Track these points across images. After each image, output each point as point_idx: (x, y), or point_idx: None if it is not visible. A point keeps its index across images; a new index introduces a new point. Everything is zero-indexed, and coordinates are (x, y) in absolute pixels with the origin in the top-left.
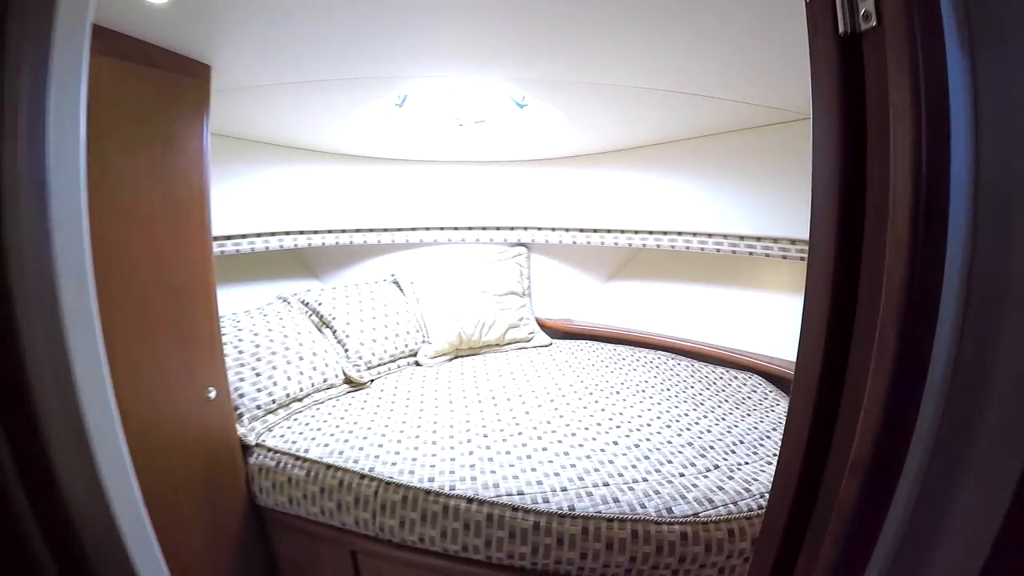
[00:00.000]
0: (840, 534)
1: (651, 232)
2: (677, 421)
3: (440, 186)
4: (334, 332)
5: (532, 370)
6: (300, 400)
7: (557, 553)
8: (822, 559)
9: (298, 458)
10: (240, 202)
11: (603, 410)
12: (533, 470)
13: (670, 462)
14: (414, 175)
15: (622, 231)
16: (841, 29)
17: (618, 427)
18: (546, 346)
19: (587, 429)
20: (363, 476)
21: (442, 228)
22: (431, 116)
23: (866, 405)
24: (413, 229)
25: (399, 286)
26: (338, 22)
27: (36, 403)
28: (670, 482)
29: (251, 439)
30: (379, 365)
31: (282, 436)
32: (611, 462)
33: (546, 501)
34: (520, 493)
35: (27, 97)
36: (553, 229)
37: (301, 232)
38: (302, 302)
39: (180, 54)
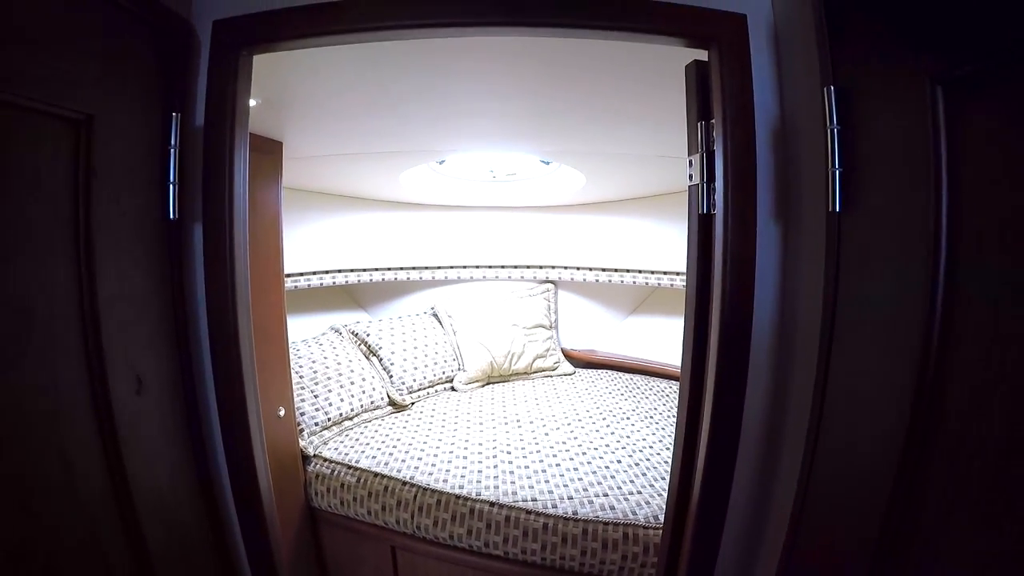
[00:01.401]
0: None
1: (666, 272)
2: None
3: (475, 229)
4: (380, 360)
5: (555, 396)
6: (351, 419)
7: (562, 550)
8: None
9: (350, 467)
10: (300, 244)
11: (612, 433)
12: (546, 482)
13: (663, 478)
14: (452, 219)
15: (640, 271)
16: (703, 211)
17: (623, 448)
18: (570, 375)
19: (596, 449)
20: (404, 483)
21: (477, 266)
22: (468, 170)
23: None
24: (451, 267)
25: (438, 318)
26: (386, 117)
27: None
28: (660, 495)
29: (310, 451)
30: (419, 390)
31: (336, 449)
32: (613, 477)
33: (555, 507)
34: (534, 500)
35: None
36: (578, 268)
37: (352, 270)
38: (352, 332)
39: (259, 135)
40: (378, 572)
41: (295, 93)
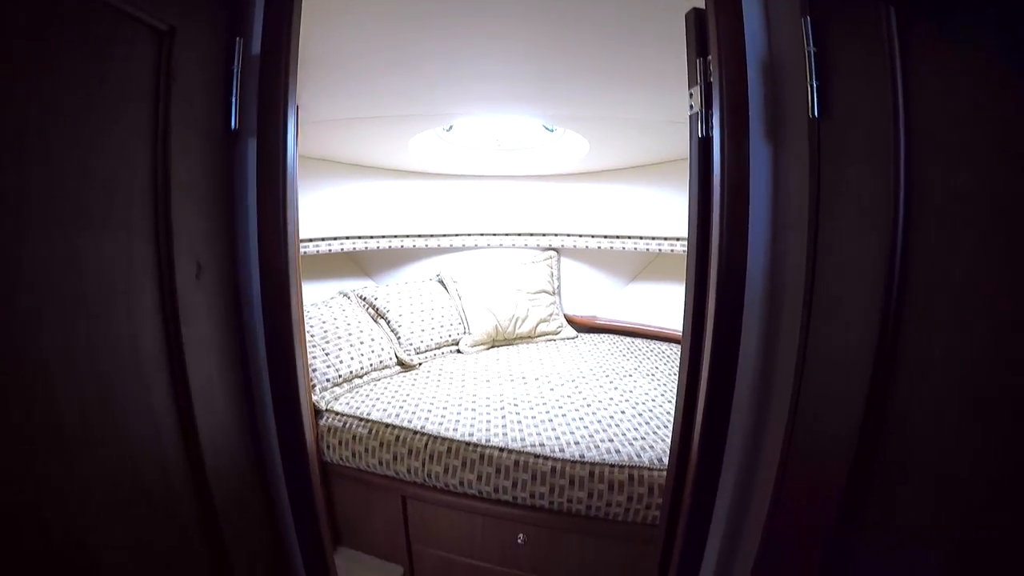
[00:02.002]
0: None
1: (667, 238)
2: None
3: (480, 197)
4: (388, 322)
5: (559, 357)
6: (360, 377)
7: (569, 493)
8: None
9: (361, 419)
10: (307, 211)
11: (616, 388)
12: (553, 430)
13: (667, 426)
14: (458, 188)
15: (641, 237)
16: (702, 135)
17: (626, 401)
18: (572, 338)
19: (600, 402)
20: (416, 432)
21: (482, 234)
22: (474, 139)
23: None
24: (456, 235)
25: (443, 284)
26: (402, 77)
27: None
28: (664, 440)
29: (323, 405)
30: (426, 351)
31: (347, 403)
32: (617, 425)
33: (561, 451)
34: (541, 445)
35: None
36: (580, 235)
37: (359, 237)
38: (360, 296)
39: None
40: (389, 523)
41: (312, 53)
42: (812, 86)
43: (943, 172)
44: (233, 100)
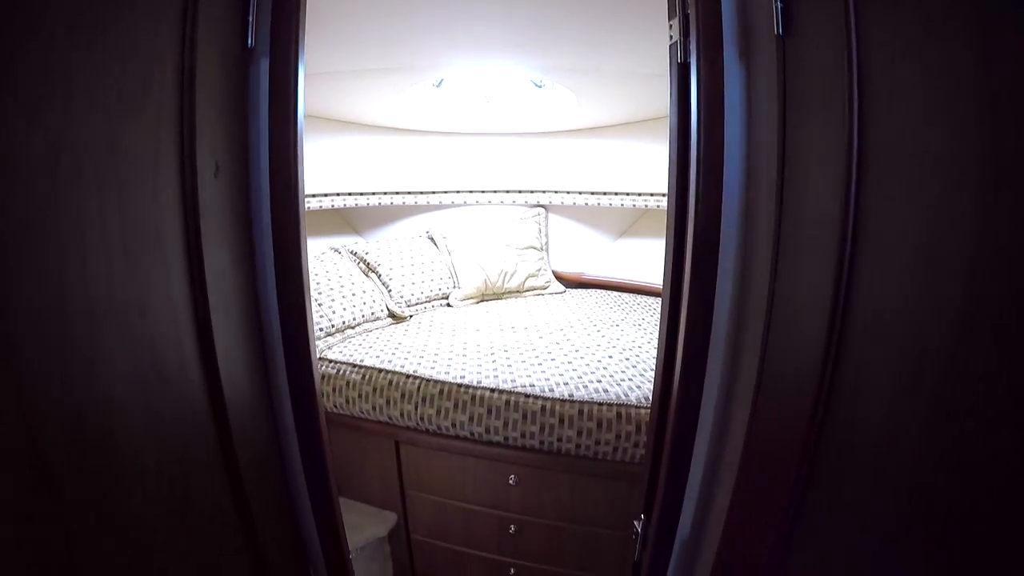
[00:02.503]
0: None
1: (653, 195)
2: None
3: (469, 154)
4: (379, 276)
5: (547, 310)
6: (352, 328)
7: (559, 431)
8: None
9: (355, 365)
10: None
11: (603, 337)
12: (543, 372)
13: (653, 369)
14: (447, 145)
15: (628, 194)
16: (680, 60)
17: (613, 347)
18: (560, 293)
19: (588, 348)
20: (408, 376)
21: (471, 191)
22: (463, 95)
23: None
24: (445, 192)
25: (433, 241)
26: (398, 26)
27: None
28: (650, 382)
29: (316, 353)
30: (417, 304)
31: (340, 351)
32: (605, 368)
33: (551, 391)
34: (531, 385)
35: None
36: (568, 192)
37: (349, 194)
38: (351, 252)
39: None
40: (382, 470)
41: None
42: (776, 7)
43: (889, 67)
44: (250, 19)
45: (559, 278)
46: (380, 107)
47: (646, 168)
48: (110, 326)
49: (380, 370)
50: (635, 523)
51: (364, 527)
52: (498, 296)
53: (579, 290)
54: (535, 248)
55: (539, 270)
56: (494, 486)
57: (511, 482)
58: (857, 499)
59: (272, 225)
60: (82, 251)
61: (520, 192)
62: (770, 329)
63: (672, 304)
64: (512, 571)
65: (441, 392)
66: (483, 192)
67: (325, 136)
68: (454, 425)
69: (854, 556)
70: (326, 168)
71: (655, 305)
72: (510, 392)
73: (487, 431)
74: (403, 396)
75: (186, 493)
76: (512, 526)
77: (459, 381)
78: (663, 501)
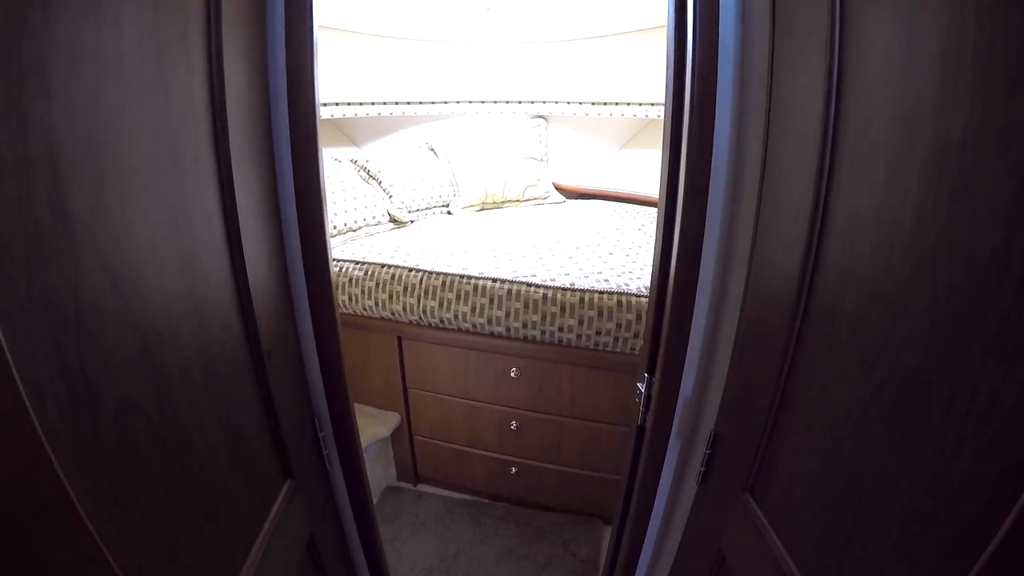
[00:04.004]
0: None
1: (654, 104)
2: None
3: (469, 63)
4: (380, 183)
5: (547, 216)
6: (354, 231)
7: (560, 321)
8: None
9: (357, 262)
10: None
11: (603, 237)
12: (544, 265)
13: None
14: (446, 53)
15: (629, 103)
16: None
17: (614, 246)
18: (560, 203)
19: (588, 246)
20: (411, 269)
21: (470, 101)
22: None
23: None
24: (444, 102)
25: (434, 151)
26: None
27: None
28: (649, 275)
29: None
30: (417, 211)
31: (342, 251)
32: (605, 263)
33: (553, 281)
34: (533, 275)
35: None
36: (568, 102)
37: (347, 103)
38: (352, 160)
39: None
40: (385, 369)
41: None
42: None
43: None
44: None
45: (559, 189)
46: (377, 13)
47: (649, 76)
48: (160, 232)
49: (382, 265)
50: (638, 385)
51: (366, 428)
52: (498, 205)
53: (580, 200)
54: (535, 159)
55: (539, 180)
56: (496, 380)
57: (512, 375)
58: (841, 367)
59: (290, 122)
60: (138, 158)
61: (520, 103)
62: (761, 203)
63: (670, 184)
64: (513, 470)
65: (443, 284)
66: (483, 103)
67: (320, 44)
68: (456, 317)
69: (842, 409)
70: (320, 76)
71: (653, 212)
72: (511, 281)
73: (489, 322)
74: (405, 289)
75: (219, 387)
76: (514, 422)
77: (461, 272)
78: (666, 357)
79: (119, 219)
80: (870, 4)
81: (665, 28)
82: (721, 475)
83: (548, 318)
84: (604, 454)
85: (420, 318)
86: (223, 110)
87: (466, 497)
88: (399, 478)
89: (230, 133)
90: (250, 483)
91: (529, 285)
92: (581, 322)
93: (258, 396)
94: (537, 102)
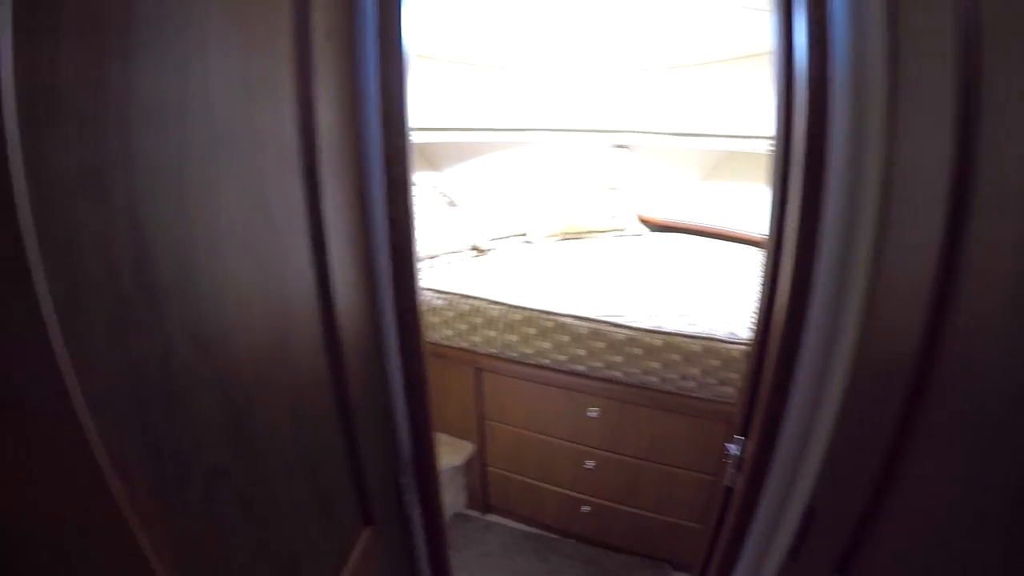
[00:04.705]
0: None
1: (742, 136)
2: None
3: (550, 91)
4: (460, 210)
5: (629, 250)
6: (434, 257)
7: (643, 363)
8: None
9: (438, 292)
10: None
11: (689, 276)
12: (628, 302)
13: (742, 307)
14: (527, 80)
15: (714, 135)
16: None
17: (701, 286)
18: (640, 235)
19: (672, 285)
20: (492, 302)
21: (551, 129)
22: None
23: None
24: (525, 130)
25: (513, 179)
26: None
27: None
28: (740, 318)
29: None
30: (496, 238)
31: (423, 279)
32: (691, 304)
33: (637, 322)
34: (618, 316)
35: None
36: (652, 133)
37: (428, 129)
38: (432, 186)
39: None
40: (461, 398)
41: None
42: None
43: None
44: None
45: (640, 220)
46: (460, 40)
47: (734, 109)
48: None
49: (463, 295)
50: (728, 446)
51: (440, 455)
52: (577, 235)
53: (660, 233)
54: (616, 189)
55: (619, 211)
56: (574, 418)
57: (591, 415)
58: (976, 408)
59: (384, 142)
60: (227, 217)
61: (601, 132)
62: (879, 253)
63: (776, 231)
64: (585, 508)
65: (525, 319)
66: (563, 131)
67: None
68: (536, 353)
69: (976, 469)
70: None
71: (742, 252)
72: (595, 320)
73: (570, 360)
74: (486, 322)
75: (306, 440)
76: (589, 461)
77: (543, 308)
78: (764, 420)
79: (208, 284)
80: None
81: (753, 57)
82: (812, 552)
83: (631, 360)
84: (680, 500)
85: (500, 351)
86: (314, 157)
87: (534, 530)
88: (468, 506)
89: (322, 181)
90: (331, 532)
91: (612, 324)
92: (665, 366)
93: (344, 445)
94: (618, 131)
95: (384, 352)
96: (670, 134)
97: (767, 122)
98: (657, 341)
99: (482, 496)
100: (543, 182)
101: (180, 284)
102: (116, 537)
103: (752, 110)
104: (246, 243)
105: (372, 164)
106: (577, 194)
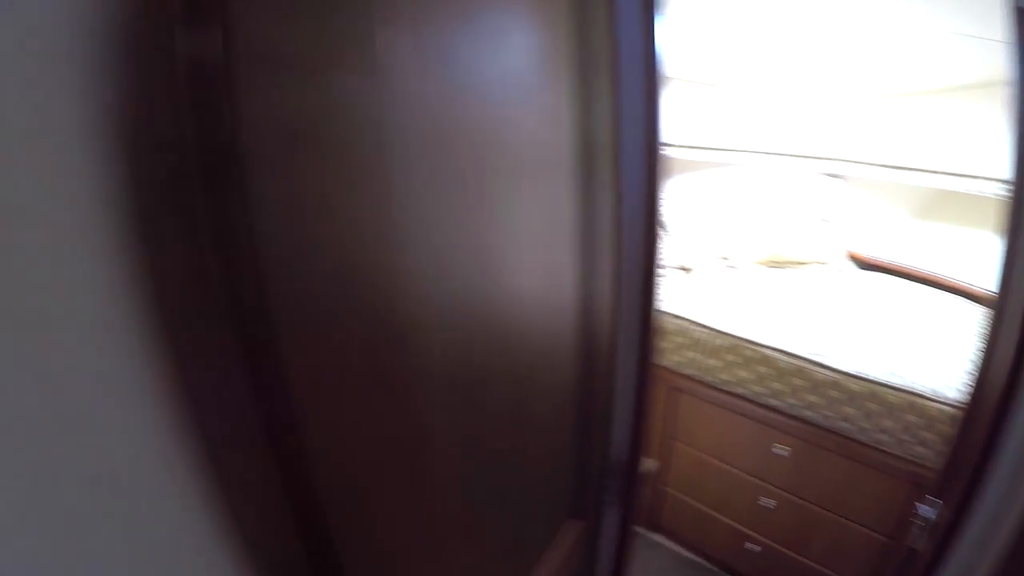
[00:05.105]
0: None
1: (965, 176)
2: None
3: (759, 111)
4: (666, 228)
5: (836, 287)
6: None
7: (841, 408)
8: None
9: None
10: None
11: (899, 324)
12: (832, 342)
13: (952, 364)
14: (735, 99)
15: (935, 172)
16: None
17: (911, 336)
18: (844, 271)
19: (881, 330)
20: (698, 324)
21: (759, 152)
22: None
23: None
24: (731, 150)
25: (718, 200)
26: None
27: None
28: (948, 377)
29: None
30: (699, 259)
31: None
32: (898, 353)
33: (841, 365)
34: (820, 354)
35: None
36: (867, 164)
37: None
38: None
39: None
40: (658, 414)
41: None
42: None
43: None
44: None
45: (848, 255)
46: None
47: (961, 144)
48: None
49: (669, 314)
50: (920, 507)
51: None
52: (779, 265)
53: (867, 272)
54: (824, 220)
55: (825, 244)
56: (760, 453)
57: (777, 452)
58: None
59: (642, 157)
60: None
61: (815, 158)
62: None
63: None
64: (751, 546)
65: (729, 346)
66: (772, 154)
67: None
68: (735, 381)
69: None
70: None
71: (956, 303)
72: (801, 357)
73: (769, 394)
74: (689, 343)
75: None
76: (767, 499)
77: (749, 337)
78: (966, 488)
79: (493, 283)
80: None
81: (983, 87)
82: None
83: (829, 402)
84: (850, 556)
85: (699, 374)
86: (592, 167)
87: (696, 559)
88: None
89: (596, 190)
90: (545, 515)
91: (816, 364)
92: (863, 414)
93: (575, 441)
94: (831, 159)
95: (618, 362)
96: (887, 166)
97: (997, 161)
98: (857, 387)
99: (653, 515)
100: (750, 205)
101: (472, 286)
102: None
103: (979, 146)
104: (529, 245)
105: (632, 177)
106: (785, 221)
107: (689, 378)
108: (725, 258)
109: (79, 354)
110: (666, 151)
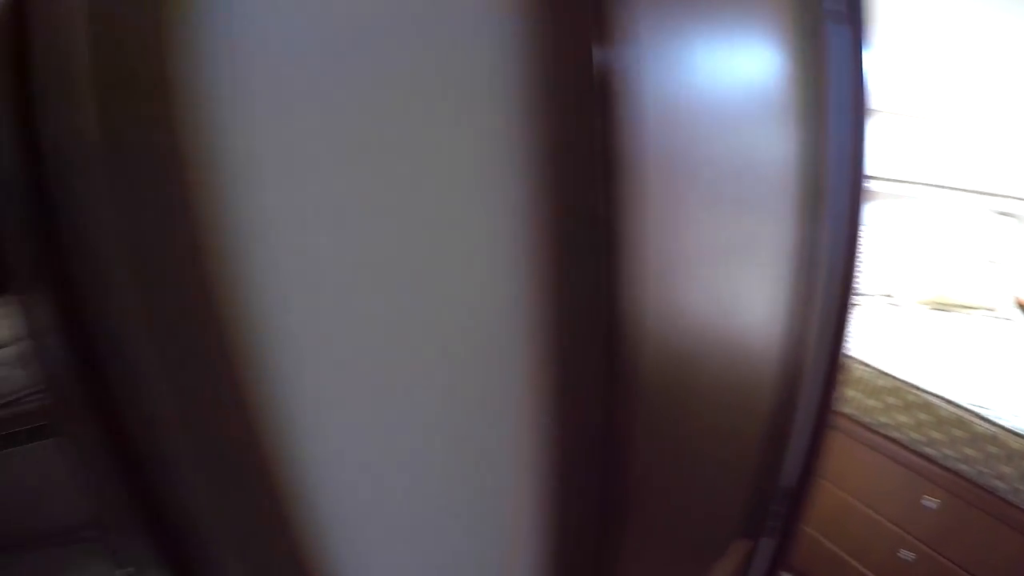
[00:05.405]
0: None
1: None
2: None
3: (922, 140)
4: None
5: (1000, 334)
6: None
7: (997, 466)
8: None
9: None
10: None
11: None
12: (996, 391)
13: None
14: (897, 126)
15: None
16: None
17: None
18: (1011, 320)
19: None
20: (860, 362)
21: (922, 184)
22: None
23: None
24: (890, 180)
25: (878, 233)
26: None
27: None
28: None
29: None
30: (865, 297)
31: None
32: None
33: (1004, 417)
34: (984, 405)
35: None
36: None
37: None
38: None
39: None
40: None
41: None
42: None
43: None
44: None
45: (1015, 302)
46: None
47: None
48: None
49: None
50: None
51: None
52: (943, 307)
53: None
54: (994, 262)
55: (991, 287)
56: (907, 502)
57: (926, 504)
58: None
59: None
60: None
61: (984, 194)
62: None
63: None
64: None
65: (890, 387)
66: (937, 187)
67: None
68: (893, 425)
69: None
70: None
71: None
72: (963, 408)
73: (925, 441)
74: (849, 381)
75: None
76: (906, 552)
77: (913, 381)
78: None
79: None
80: None
81: None
82: None
83: (985, 458)
84: None
85: (855, 413)
86: (817, 200)
87: None
88: None
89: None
90: (721, 530)
91: (978, 416)
92: (1020, 475)
93: (760, 464)
94: (1003, 196)
95: (806, 391)
96: None
97: None
98: (1017, 445)
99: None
100: (917, 241)
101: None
102: None
103: None
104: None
105: (836, 210)
106: (952, 261)
107: (845, 416)
108: (888, 295)
109: None
110: (871, 185)
